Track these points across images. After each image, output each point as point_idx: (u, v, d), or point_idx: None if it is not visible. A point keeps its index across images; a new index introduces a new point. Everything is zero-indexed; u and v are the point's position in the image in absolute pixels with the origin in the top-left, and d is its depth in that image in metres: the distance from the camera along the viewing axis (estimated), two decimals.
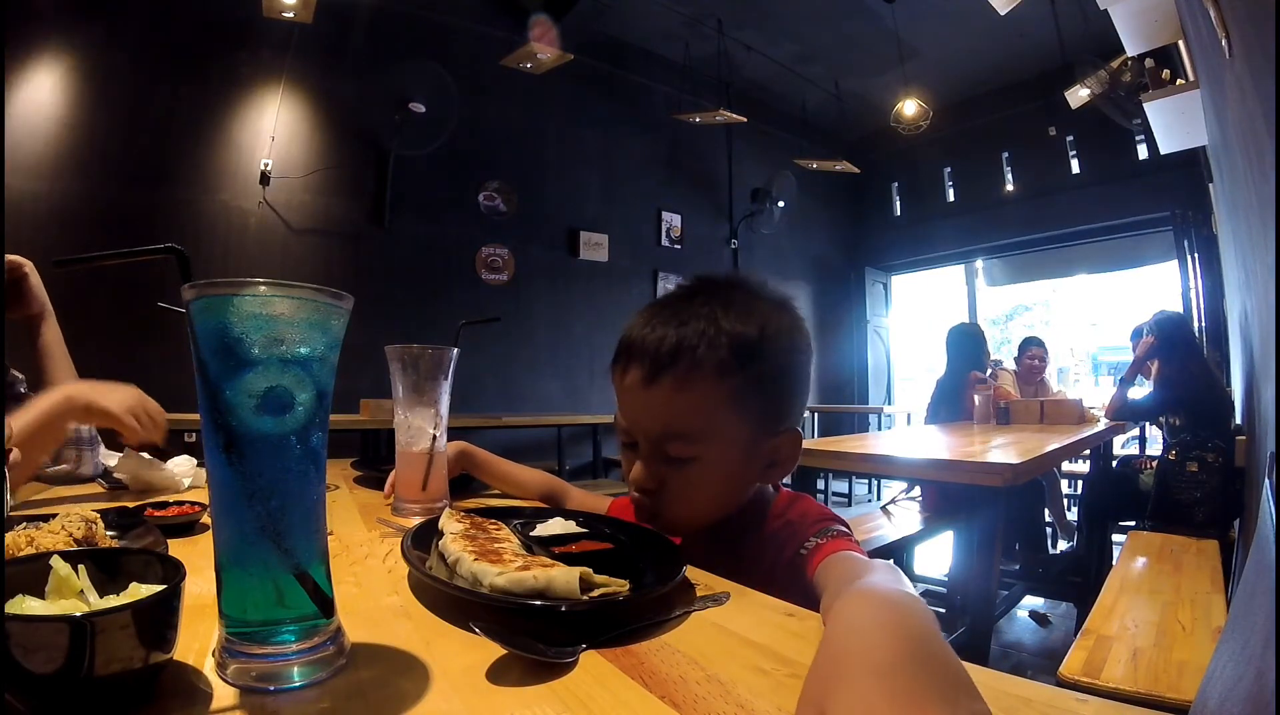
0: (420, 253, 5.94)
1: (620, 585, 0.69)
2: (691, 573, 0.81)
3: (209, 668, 0.54)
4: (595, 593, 0.66)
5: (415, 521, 0.95)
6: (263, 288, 0.51)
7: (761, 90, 7.82)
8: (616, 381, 0.98)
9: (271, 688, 0.51)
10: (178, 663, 0.53)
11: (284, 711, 0.50)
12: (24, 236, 4.32)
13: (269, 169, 5.39)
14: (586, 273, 7.00)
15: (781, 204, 8.06)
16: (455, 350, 1.15)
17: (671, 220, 7.60)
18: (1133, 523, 3.99)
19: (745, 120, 7.10)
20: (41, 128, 4.99)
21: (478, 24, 6.28)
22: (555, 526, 0.90)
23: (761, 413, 0.94)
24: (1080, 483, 5.25)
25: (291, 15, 5.23)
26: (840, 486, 7.81)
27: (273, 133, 5.47)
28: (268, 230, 5.38)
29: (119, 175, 5.02)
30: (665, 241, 7.56)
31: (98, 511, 0.85)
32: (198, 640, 0.55)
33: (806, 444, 1.08)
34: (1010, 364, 5.50)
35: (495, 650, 0.58)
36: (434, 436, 1.15)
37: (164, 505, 1.09)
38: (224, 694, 0.51)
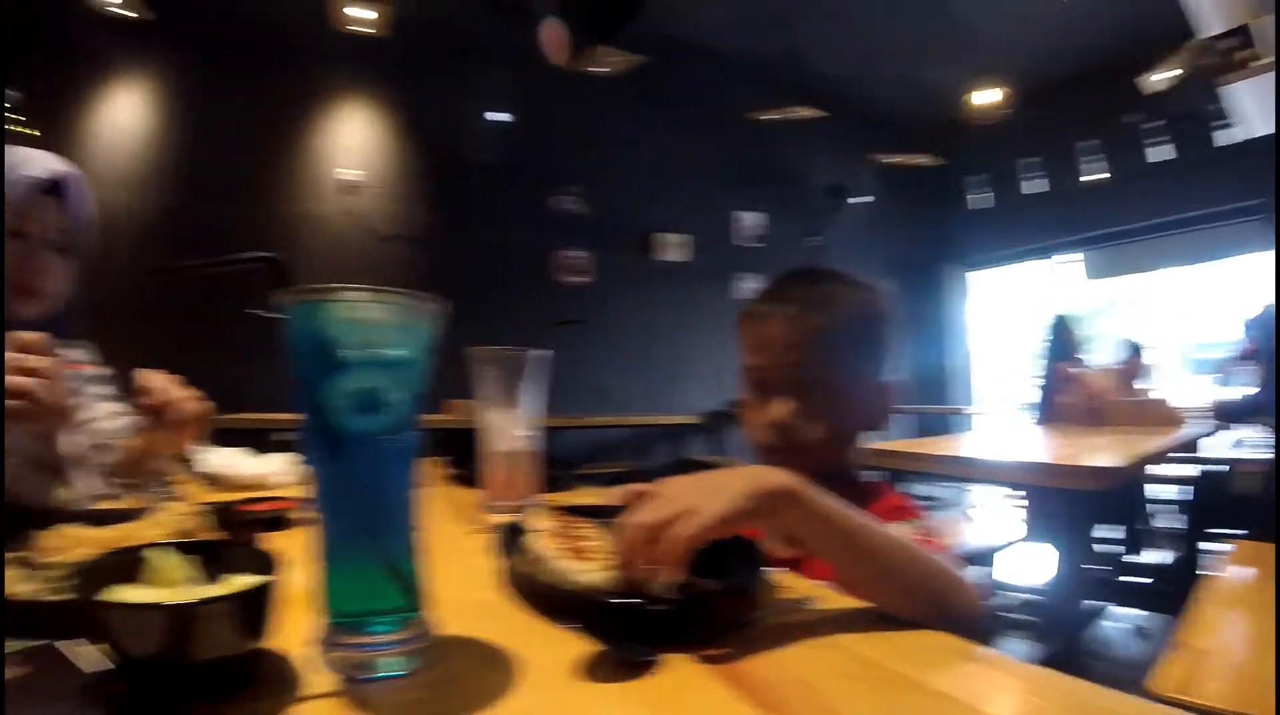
0: (498, 257, 6.03)
1: (707, 585, 0.68)
2: (777, 576, 0.80)
3: (305, 656, 0.56)
4: (681, 593, 0.66)
5: (504, 519, 0.96)
6: (355, 293, 0.53)
7: (834, 84, 7.60)
8: (749, 329, 1.15)
9: (364, 677, 0.53)
10: (275, 651, 0.55)
11: (375, 700, 0.51)
12: (116, 247, 4.54)
13: (349, 179, 5.56)
14: (663, 274, 6.97)
15: (858, 200, 7.87)
16: (539, 352, 1.16)
17: (747, 219, 7.48)
18: (1225, 530, 3.77)
19: (819, 115, 6.96)
20: (128, 145, 5.34)
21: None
22: None
23: (868, 356, 1.13)
24: (1170, 488, 4.98)
25: (367, 30, 5.44)
26: (924, 488, 7.58)
27: (352, 144, 5.66)
28: (348, 238, 5.58)
29: (203, 188, 5.32)
30: (741, 241, 7.45)
31: (194, 506, 0.89)
32: (294, 630, 0.56)
33: (889, 445, 1.21)
34: (1102, 361, 5.26)
35: (582, 647, 0.58)
36: (522, 437, 1.16)
37: (256, 500, 1.15)
38: (319, 681, 0.53)
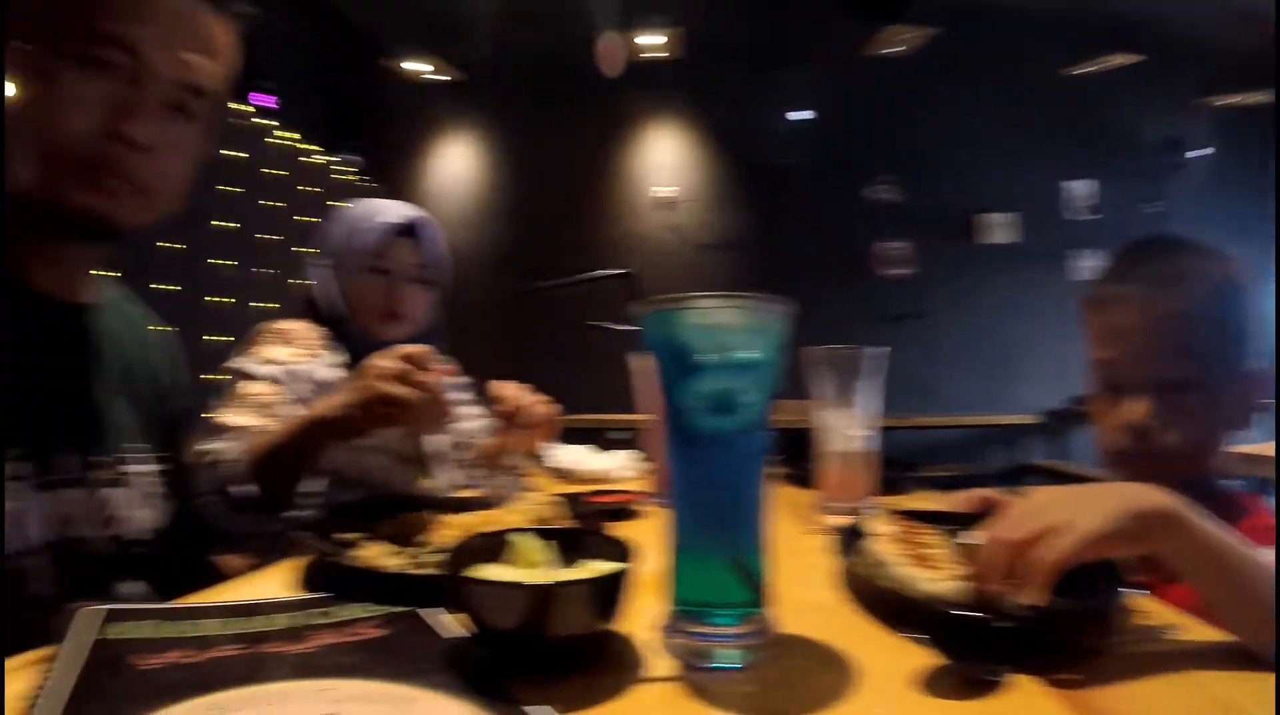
0: (817, 254, 5.97)
1: (1062, 605, 0.62)
2: (1137, 599, 0.70)
3: (650, 640, 0.59)
4: (1033, 611, 0.60)
5: (841, 520, 0.95)
6: (706, 300, 0.55)
7: (1144, 21, 6.27)
8: (1093, 317, 1.06)
9: (702, 665, 0.55)
10: (623, 632, 0.60)
11: (711, 689, 0.53)
12: (468, 275, 5.24)
13: (664, 195, 5.87)
14: (987, 258, 6.30)
15: (1197, 154, 6.42)
16: (875, 350, 1.13)
17: (1076, 189, 6.39)
18: None
19: (1136, 60, 5.85)
20: (466, 189, 6.42)
21: (834, 21, 6.08)
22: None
23: (1231, 342, 1.00)
24: None
25: (661, 55, 5.74)
26: None
27: (664, 161, 5.97)
28: (669, 252, 5.92)
29: (536, 217, 6.08)
30: (1073, 214, 6.42)
31: (547, 496, 0.99)
32: (638, 613, 0.59)
33: (1257, 448, 1.02)
34: None
35: (923, 658, 0.55)
36: (857, 436, 1.14)
37: (605, 492, 1.27)
38: (660, 665, 0.56)
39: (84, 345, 0.92)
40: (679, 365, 0.56)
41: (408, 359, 1.02)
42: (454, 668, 0.53)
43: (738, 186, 6.03)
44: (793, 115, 5.71)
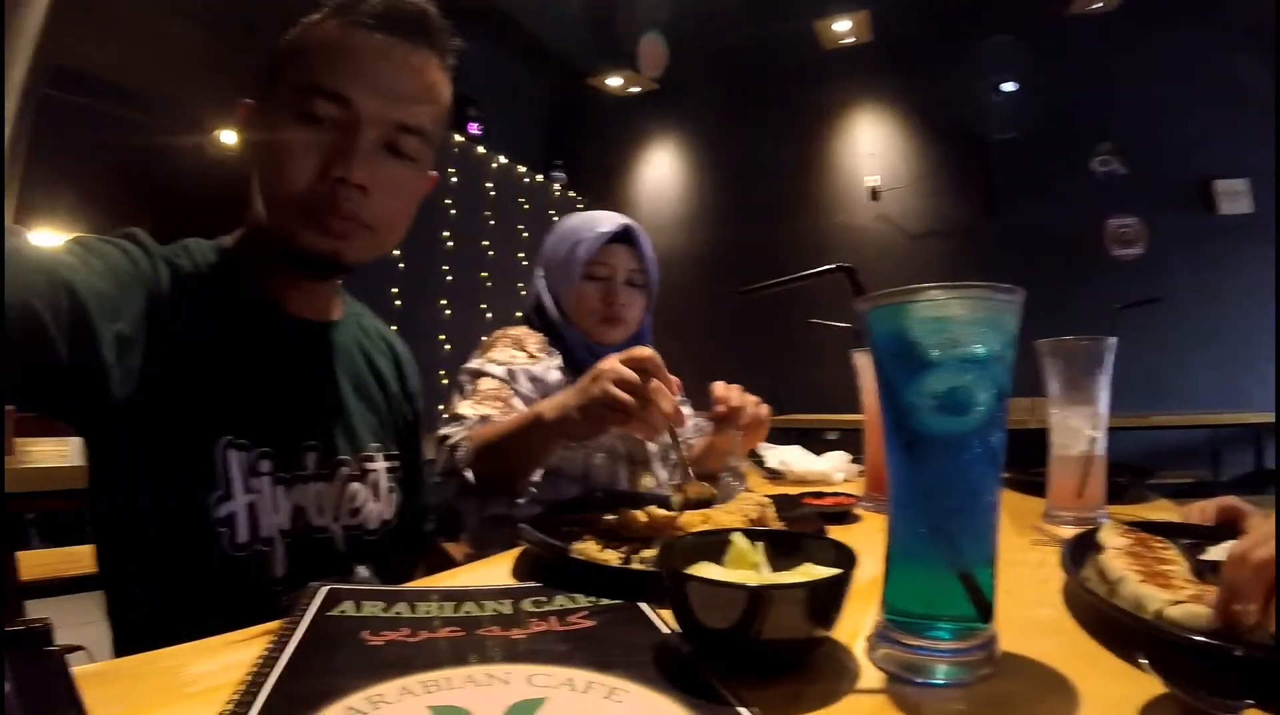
0: (1039, 236, 5.48)
1: None
2: None
3: (859, 649, 0.57)
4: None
5: (1069, 531, 0.88)
6: (935, 292, 0.52)
7: None
8: None
9: (916, 680, 0.52)
10: (832, 639, 0.57)
11: (924, 706, 0.50)
12: (676, 279, 5.34)
13: (876, 184, 5.67)
14: (1227, 230, 5.35)
15: None
16: (1113, 340, 1.03)
17: None
18: None
19: None
20: (670, 194, 6.63)
21: None
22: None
23: None
24: None
25: (851, 40, 5.54)
26: None
27: (871, 149, 5.76)
28: (885, 241, 5.71)
29: (742, 218, 6.11)
30: None
31: (763, 497, 0.98)
32: (851, 621, 0.58)
33: None
34: None
35: (1154, 688, 0.49)
36: (1091, 438, 1.05)
37: (820, 495, 1.24)
38: (870, 676, 0.53)
39: (326, 357, 1.03)
40: (905, 362, 0.53)
41: (638, 363, 1.04)
42: (663, 663, 0.53)
43: (951, 169, 5.71)
44: (1001, 87, 5.32)
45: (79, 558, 2.61)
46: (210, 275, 0.93)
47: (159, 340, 0.83)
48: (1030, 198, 5.53)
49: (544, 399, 1.25)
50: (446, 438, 1.25)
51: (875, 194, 5.76)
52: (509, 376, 1.45)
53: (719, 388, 1.41)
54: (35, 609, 2.12)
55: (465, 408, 1.36)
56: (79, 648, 1.05)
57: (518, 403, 1.40)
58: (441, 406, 1.45)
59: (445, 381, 4.64)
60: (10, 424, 2.33)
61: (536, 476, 1.24)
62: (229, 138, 5.94)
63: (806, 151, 6.08)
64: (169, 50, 5.52)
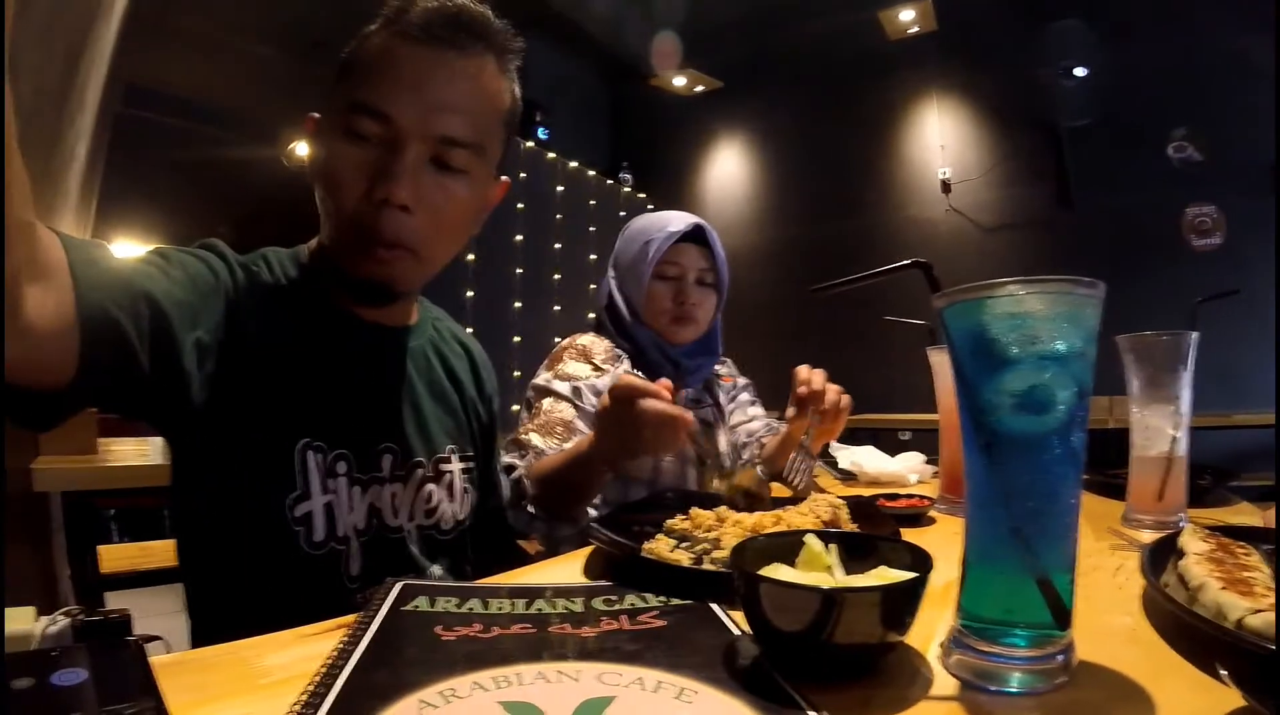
0: (1116, 228, 5.19)
1: None
2: None
3: (933, 655, 0.56)
4: None
5: (1149, 535, 0.86)
6: (1014, 286, 0.50)
7: None
8: None
9: (990, 688, 0.51)
10: (905, 644, 0.56)
11: (998, 714, 0.49)
12: (745, 278, 5.31)
13: (947, 176, 5.55)
14: None
15: None
16: (1195, 335, 1.00)
17: None
18: None
19: None
20: (738, 192, 6.54)
21: None
22: None
23: None
24: None
25: (915, 29, 5.49)
26: None
27: (941, 141, 5.64)
28: (958, 235, 5.55)
29: (811, 214, 6.00)
30: None
31: (837, 498, 0.97)
32: (924, 626, 0.56)
33: None
34: None
35: (1232, 699, 0.47)
36: (1173, 438, 1.01)
37: (894, 496, 1.22)
38: (943, 682, 0.52)
39: (401, 362, 1.04)
40: (983, 359, 0.52)
41: (627, 389, 1.03)
42: (733, 664, 0.53)
43: (1023, 159, 5.45)
44: (1071, 72, 5.12)
45: (157, 552, 2.73)
46: (287, 283, 0.95)
47: (238, 347, 0.85)
48: (1105, 187, 5.26)
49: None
50: (511, 468, 1.28)
51: (946, 187, 5.60)
52: (574, 394, 1.47)
53: (803, 370, 1.39)
54: (115, 600, 2.21)
55: (530, 436, 1.38)
56: (156, 637, 1.09)
57: (580, 424, 1.42)
58: (516, 406, 1.48)
59: (517, 375, 4.75)
60: (93, 423, 2.42)
61: (595, 500, 1.27)
62: (303, 149, 6.12)
63: (875, 145, 5.93)
64: (241, 66, 5.72)
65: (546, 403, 1.46)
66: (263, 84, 5.88)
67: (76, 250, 0.65)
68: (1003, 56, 5.45)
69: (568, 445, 1.31)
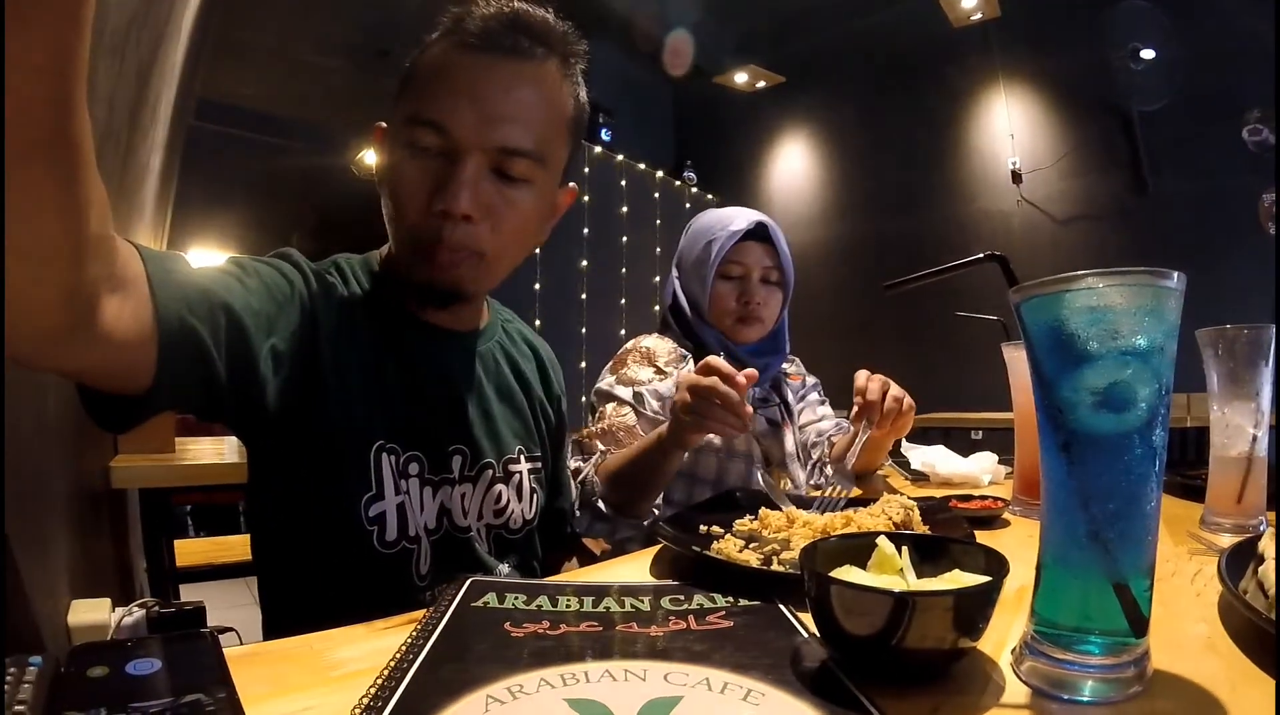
0: (1193, 214, 4.98)
1: None
2: None
3: (1005, 661, 0.54)
4: None
5: (1227, 539, 0.82)
6: (1093, 279, 0.49)
7: None
8: None
9: (1063, 696, 0.49)
10: (976, 649, 0.55)
11: None
12: (812, 275, 5.23)
13: (1017, 166, 5.39)
14: None
15: None
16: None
17: None
18: None
19: None
20: (803, 188, 6.47)
21: None
22: None
23: None
24: None
25: (979, 16, 5.37)
26: None
27: (1010, 130, 5.48)
28: (1031, 226, 5.40)
29: (878, 208, 5.87)
30: None
31: (908, 500, 0.96)
32: (996, 631, 0.55)
33: None
34: None
35: None
36: (1253, 437, 0.97)
37: (967, 498, 1.19)
38: (1015, 690, 0.51)
39: (471, 365, 1.06)
40: (1061, 355, 0.50)
41: (713, 368, 1.07)
42: (801, 667, 0.53)
43: (1095, 146, 5.26)
44: (1139, 54, 4.93)
45: (231, 547, 2.82)
46: (360, 290, 0.97)
47: (313, 353, 0.87)
48: (1180, 173, 5.05)
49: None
50: (578, 471, 1.30)
51: (1017, 177, 5.44)
52: (636, 400, 1.48)
53: (860, 377, 1.35)
54: (188, 593, 2.28)
55: (595, 439, 1.41)
56: (229, 629, 1.12)
57: (642, 429, 1.43)
58: (582, 397, 1.50)
59: (583, 366, 4.80)
60: (172, 423, 2.52)
61: (659, 500, 1.28)
62: (371, 158, 6.30)
63: (942, 136, 5.80)
64: (309, 77, 5.89)
65: (609, 408, 1.48)
66: (331, 94, 6.05)
67: (154, 262, 0.67)
68: (1069, 39, 5.27)
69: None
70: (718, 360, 1.09)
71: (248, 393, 0.80)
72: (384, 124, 0.96)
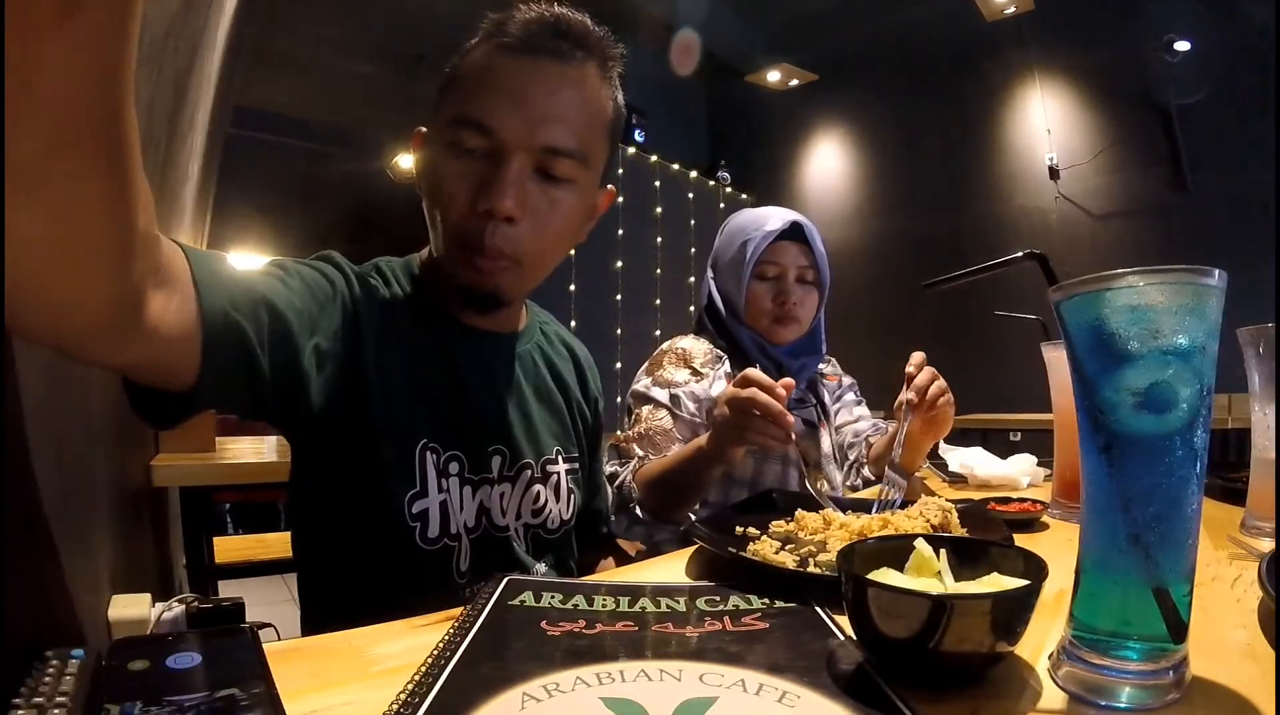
0: (1233, 211, 4.91)
1: None
2: None
3: (1042, 666, 0.54)
4: None
5: (1269, 544, 0.81)
6: (1134, 277, 0.48)
7: None
8: None
9: (1100, 702, 0.49)
10: (1013, 654, 0.54)
11: None
12: (847, 273, 5.21)
13: (1054, 162, 5.32)
14: None
15: None
16: None
17: None
18: None
19: None
20: (837, 186, 6.46)
21: None
22: None
23: None
24: None
25: (1013, 10, 5.32)
26: None
27: (1047, 126, 5.40)
28: (1070, 223, 5.34)
29: (914, 206, 5.81)
30: None
31: (946, 502, 0.95)
32: (1034, 635, 0.55)
33: None
34: None
35: None
36: None
37: (1006, 500, 1.18)
38: (1051, 695, 0.50)
39: (510, 366, 1.07)
40: (1103, 355, 0.50)
41: (753, 380, 1.08)
42: (837, 669, 0.53)
43: (1133, 141, 5.21)
44: (1174, 46, 4.84)
45: (270, 544, 2.86)
46: (400, 292, 0.99)
47: (355, 354, 0.88)
48: (1220, 168, 4.98)
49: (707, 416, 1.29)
50: (614, 476, 1.31)
51: (1055, 173, 5.37)
52: (672, 402, 1.48)
53: (916, 357, 1.31)
54: (226, 589, 2.32)
55: (632, 444, 1.42)
56: (268, 625, 1.14)
57: (678, 432, 1.44)
58: (619, 397, 1.51)
59: (619, 366, 4.82)
60: (212, 423, 2.56)
61: (696, 506, 1.29)
62: (406, 163, 6.34)
63: (978, 132, 5.76)
64: (344, 84, 5.96)
65: (645, 410, 1.48)
66: (366, 100, 6.13)
67: (198, 259, 0.68)
68: (1105, 33, 5.20)
69: (668, 453, 1.32)
70: (755, 372, 1.09)
71: (291, 389, 0.81)
72: (423, 129, 0.97)
